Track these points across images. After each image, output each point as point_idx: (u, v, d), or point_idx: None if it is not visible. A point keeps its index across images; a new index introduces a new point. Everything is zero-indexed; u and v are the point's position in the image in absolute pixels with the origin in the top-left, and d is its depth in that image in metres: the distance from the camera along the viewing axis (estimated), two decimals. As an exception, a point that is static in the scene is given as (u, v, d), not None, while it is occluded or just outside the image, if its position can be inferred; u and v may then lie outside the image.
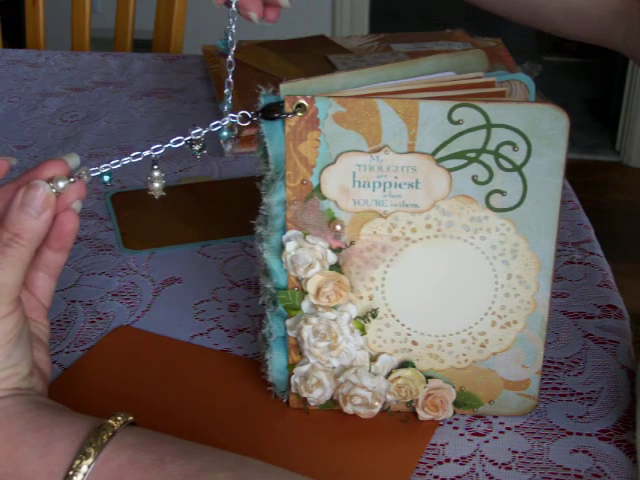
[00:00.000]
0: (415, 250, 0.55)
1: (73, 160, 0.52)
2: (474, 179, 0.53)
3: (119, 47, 1.50)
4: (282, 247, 0.55)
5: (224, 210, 0.86)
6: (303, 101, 0.52)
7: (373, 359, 0.58)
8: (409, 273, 0.56)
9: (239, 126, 0.54)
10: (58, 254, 0.54)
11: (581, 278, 0.75)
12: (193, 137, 0.54)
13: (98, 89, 1.18)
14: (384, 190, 0.54)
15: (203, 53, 1.22)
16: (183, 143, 0.54)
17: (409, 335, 0.58)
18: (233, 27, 0.59)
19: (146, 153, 0.54)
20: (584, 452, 0.56)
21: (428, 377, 0.59)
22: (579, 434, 0.58)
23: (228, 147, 0.55)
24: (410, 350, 0.58)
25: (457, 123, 0.52)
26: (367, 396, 0.58)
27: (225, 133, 0.54)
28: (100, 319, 0.70)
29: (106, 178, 0.53)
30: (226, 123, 0.54)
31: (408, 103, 0.52)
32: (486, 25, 2.18)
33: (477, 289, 0.56)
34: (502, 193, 0.53)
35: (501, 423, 0.59)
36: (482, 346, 0.58)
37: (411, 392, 0.58)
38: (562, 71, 3.32)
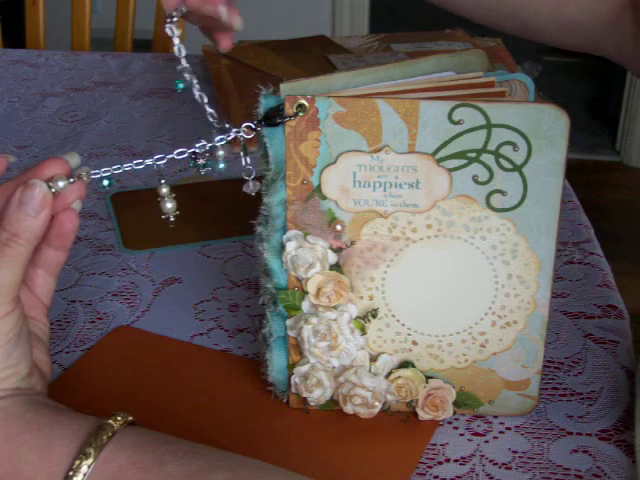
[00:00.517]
0: (415, 250, 0.55)
1: (74, 159, 0.52)
2: (474, 179, 0.53)
3: (119, 47, 1.50)
4: (282, 247, 0.56)
5: (224, 210, 0.86)
6: (303, 101, 0.52)
7: (373, 359, 0.58)
8: (409, 273, 0.56)
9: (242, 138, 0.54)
10: (58, 252, 0.54)
11: (581, 278, 0.75)
12: (197, 150, 0.54)
13: (98, 89, 1.18)
14: (384, 190, 0.54)
15: (203, 53, 1.22)
16: (186, 155, 0.54)
17: (409, 335, 0.58)
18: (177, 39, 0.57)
19: (149, 162, 0.53)
20: (584, 452, 0.56)
21: (428, 377, 0.59)
22: (579, 434, 0.58)
23: (220, 165, 0.54)
24: (410, 350, 0.58)
25: (457, 123, 0.52)
26: (367, 396, 0.58)
27: (221, 152, 0.54)
28: (100, 319, 0.70)
29: (105, 182, 0.53)
30: (230, 137, 0.54)
31: (408, 103, 0.52)
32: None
33: (477, 289, 0.56)
34: (502, 193, 0.53)
35: (501, 423, 0.59)
36: (482, 346, 0.58)
37: (411, 392, 0.58)
38: (562, 71, 3.33)
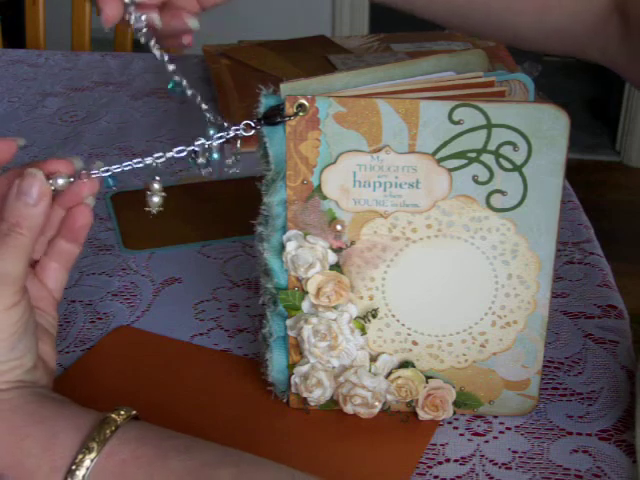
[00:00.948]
0: (415, 250, 0.55)
1: (77, 163, 0.53)
2: (474, 179, 0.53)
3: (119, 47, 1.50)
4: (282, 247, 0.55)
5: (224, 210, 0.86)
6: (304, 101, 0.52)
7: (373, 359, 0.58)
8: (409, 273, 0.56)
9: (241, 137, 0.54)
10: (71, 245, 0.54)
11: (581, 278, 0.75)
12: (196, 148, 0.54)
13: (98, 89, 1.18)
14: (385, 190, 0.54)
15: (203, 53, 1.22)
16: (185, 153, 0.54)
17: (409, 335, 0.58)
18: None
19: (148, 160, 0.53)
20: (584, 452, 0.56)
21: (428, 377, 0.59)
22: (579, 434, 0.58)
23: (214, 155, 0.54)
24: (410, 350, 0.58)
25: (457, 123, 0.52)
26: (367, 396, 0.58)
27: (215, 155, 0.54)
28: (100, 319, 0.70)
29: (110, 182, 0.53)
30: (230, 135, 0.54)
31: (409, 103, 0.52)
32: (486, 25, 2.18)
33: (477, 289, 0.56)
34: (502, 193, 0.53)
35: (501, 423, 0.59)
36: (482, 346, 0.58)
37: (411, 392, 0.58)
38: (562, 71, 3.32)
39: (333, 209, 0.54)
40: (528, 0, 0.62)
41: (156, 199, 0.54)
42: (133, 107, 1.11)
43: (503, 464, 0.56)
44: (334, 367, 0.58)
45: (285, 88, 0.53)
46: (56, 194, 0.52)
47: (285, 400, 0.60)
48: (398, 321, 0.57)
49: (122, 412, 0.48)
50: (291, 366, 0.59)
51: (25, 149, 1.00)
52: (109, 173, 0.53)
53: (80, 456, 0.45)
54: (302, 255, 0.55)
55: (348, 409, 0.59)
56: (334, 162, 0.53)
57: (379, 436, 0.58)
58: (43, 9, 1.50)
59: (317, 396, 0.58)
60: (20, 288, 0.49)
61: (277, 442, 0.58)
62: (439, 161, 0.53)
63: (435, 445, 0.58)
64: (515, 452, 0.57)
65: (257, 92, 0.53)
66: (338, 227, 0.55)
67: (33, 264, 0.55)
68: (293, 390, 0.59)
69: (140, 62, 1.26)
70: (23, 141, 0.54)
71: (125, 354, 0.66)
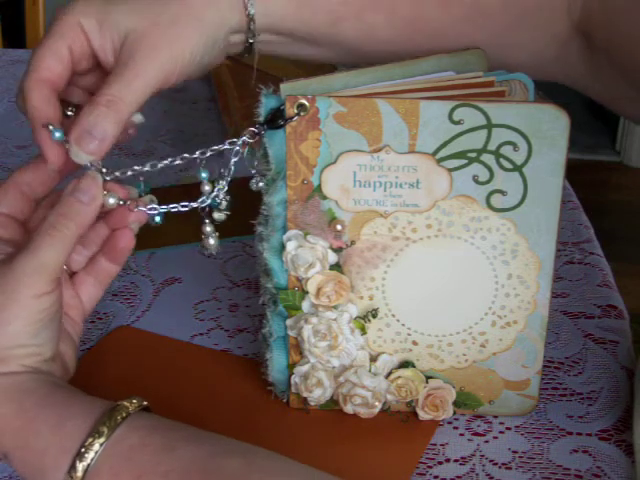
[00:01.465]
0: (415, 250, 0.55)
1: (133, 192, 0.55)
2: (475, 179, 0.53)
3: (119, 47, 1.50)
4: (282, 247, 0.56)
5: (224, 210, 0.86)
6: (304, 101, 0.52)
7: (373, 359, 0.58)
8: (409, 273, 0.56)
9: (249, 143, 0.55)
10: (111, 265, 0.56)
11: (581, 278, 0.75)
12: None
13: (98, 89, 1.18)
14: (385, 190, 0.54)
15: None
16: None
17: (409, 335, 0.58)
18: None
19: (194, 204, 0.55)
20: (584, 452, 0.56)
21: (428, 377, 0.59)
22: (579, 434, 0.58)
23: (211, 242, 0.56)
24: (410, 350, 0.58)
25: (458, 123, 0.52)
26: (367, 396, 0.58)
27: (204, 174, 0.55)
28: (100, 319, 0.70)
29: (157, 219, 0.55)
30: (240, 142, 0.54)
31: (409, 103, 0.52)
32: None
33: (477, 289, 0.56)
34: (503, 193, 0.53)
35: (501, 423, 0.59)
36: (482, 346, 0.58)
37: (411, 392, 0.58)
38: (562, 71, 3.32)
39: (333, 209, 0.54)
40: (490, 45, 0.63)
41: (212, 241, 0.56)
42: (133, 107, 1.11)
43: (503, 464, 0.56)
44: (334, 367, 0.58)
45: (285, 88, 0.53)
46: (103, 210, 0.53)
47: (285, 400, 0.60)
48: (398, 321, 0.57)
49: (134, 401, 0.49)
50: (291, 366, 0.59)
51: (25, 149, 1.00)
52: (157, 212, 0.55)
53: (90, 439, 0.46)
54: (302, 255, 0.55)
55: (348, 409, 0.59)
56: (334, 162, 0.53)
57: (379, 436, 0.58)
58: (43, 9, 1.50)
59: (317, 396, 0.58)
60: (54, 279, 0.50)
61: (277, 442, 0.57)
62: (439, 161, 0.53)
63: (435, 445, 0.58)
64: (515, 452, 0.57)
65: (257, 92, 0.53)
66: (338, 227, 0.55)
67: (71, 274, 0.57)
68: (293, 390, 0.59)
69: (140, 62, 1.26)
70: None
71: (125, 354, 0.66)
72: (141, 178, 0.56)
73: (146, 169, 0.55)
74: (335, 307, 0.56)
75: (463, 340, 0.58)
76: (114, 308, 0.71)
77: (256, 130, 0.53)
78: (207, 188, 0.55)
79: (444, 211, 0.54)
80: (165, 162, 0.56)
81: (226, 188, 0.55)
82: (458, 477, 0.55)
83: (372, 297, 0.57)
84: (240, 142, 0.54)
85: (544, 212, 0.54)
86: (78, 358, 0.65)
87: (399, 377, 0.58)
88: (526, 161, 0.52)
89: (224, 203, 0.55)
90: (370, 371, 0.58)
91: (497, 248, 0.55)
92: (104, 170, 0.53)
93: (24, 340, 0.49)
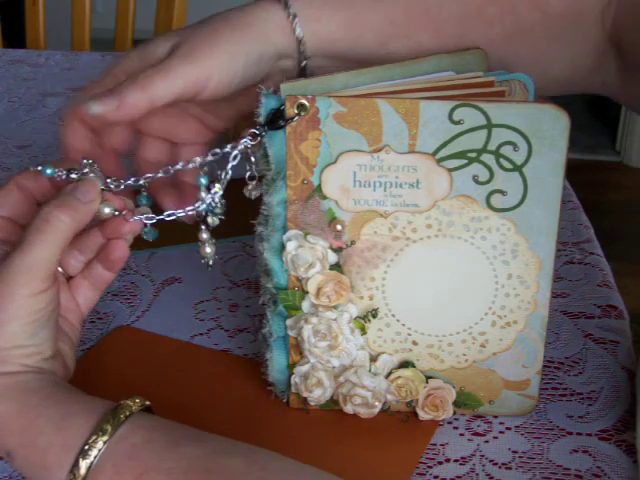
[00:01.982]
0: (415, 250, 0.55)
1: (128, 203, 0.56)
2: (475, 179, 0.53)
3: (119, 47, 1.50)
4: (282, 247, 0.56)
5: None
6: (304, 101, 0.52)
7: (373, 359, 0.58)
8: (409, 273, 0.56)
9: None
10: (106, 272, 0.57)
11: (581, 278, 0.75)
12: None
13: (98, 89, 1.18)
14: (385, 190, 0.54)
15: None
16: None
17: (409, 335, 0.58)
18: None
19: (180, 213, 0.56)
20: (584, 452, 0.56)
21: (428, 377, 0.59)
22: (579, 434, 0.58)
23: (207, 250, 0.57)
24: (410, 350, 0.58)
25: (458, 123, 0.52)
26: (367, 396, 0.58)
27: (203, 180, 0.55)
28: (100, 319, 0.70)
29: (151, 235, 0.56)
30: (241, 147, 0.54)
31: (409, 103, 0.52)
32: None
33: (477, 289, 0.56)
34: (503, 193, 0.53)
35: (501, 423, 0.59)
36: (482, 346, 0.58)
37: (411, 392, 0.58)
38: (562, 71, 3.32)
39: (333, 209, 0.54)
40: (529, 59, 0.64)
41: (209, 250, 0.56)
42: (133, 107, 1.11)
43: (503, 464, 0.56)
44: (334, 367, 0.58)
45: (285, 88, 0.53)
46: (98, 218, 0.54)
47: (285, 400, 0.60)
48: (398, 321, 0.57)
49: (137, 400, 0.49)
50: (291, 366, 0.59)
51: (25, 149, 1.00)
52: (154, 220, 0.55)
53: (94, 437, 0.46)
54: (302, 255, 0.55)
55: (348, 409, 0.59)
56: (334, 162, 0.53)
57: (379, 436, 0.58)
58: (43, 9, 1.50)
59: (317, 396, 0.58)
60: (49, 276, 0.50)
61: (277, 442, 0.58)
62: (439, 161, 0.53)
63: (435, 445, 0.58)
64: (515, 452, 0.57)
65: (257, 92, 0.53)
66: (338, 227, 0.55)
67: (68, 278, 0.57)
68: (293, 390, 0.59)
69: (140, 62, 1.26)
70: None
71: (125, 354, 0.66)
72: (144, 192, 0.56)
73: (141, 182, 0.56)
74: (335, 307, 0.56)
75: (463, 340, 0.58)
76: (114, 308, 0.71)
77: (257, 132, 0.53)
78: (203, 195, 0.55)
79: (444, 211, 0.54)
80: (167, 168, 0.56)
81: (221, 192, 0.55)
82: (458, 477, 0.55)
83: (372, 297, 0.57)
84: (241, 146, 0.54)
85: (544, 212, 0.54)
86: (78, 358, 0.65)
87: (399, 377, 0.58)
88: (526, 161, 0.52)
89: (219, 207, 0.55)
90: (370, 371, 0.58)
91: (497, 248, 0.55)
92: (108, 180, 0.54)
93: (22, 340, 0.50)
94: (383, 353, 0.58)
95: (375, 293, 0.56)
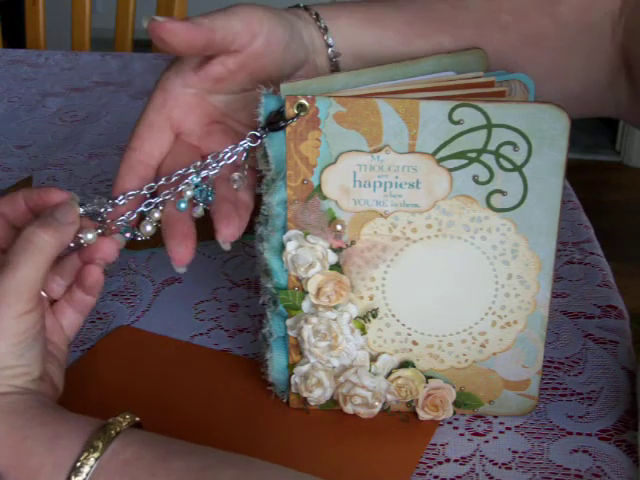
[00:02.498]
0: (416, 250, 0.55)
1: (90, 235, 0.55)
2: (475, 179, 0.53)
3: (119, 47, 1.50)
4: (282, 247, 0.56)
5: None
6: (304, 101, 0.52)
7: (373, 359, 0.58)
8: (409, 273, 0.56)
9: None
10: (86, 296, 0.56)
11: (581, 278, 0.75)
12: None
13: (98, 89, 1.18)
14: (385, 190, 0.54)
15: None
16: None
17: (409, 335, 0.58)
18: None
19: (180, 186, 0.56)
20: (584, 452, 0.56)
21: (428, 377, 0.59)
22: (579, 434, 0.58)
23: (148, 228, 0.57)
24: (410, 350, 0.58)
25: (458, 123, 0.52)
26: (367, 396, 0.58)
27: (183, 205, 0.56)
28: (100, 319, 0.70)
29: (127, 235, 0.56)
30: (241, 148, 0.55)
31: (409, 103, 0.52)
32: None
33: (477, 289, 0.56)
34: (503, 193, 0.53)
35: (501, 423, 0.59)
36: (482, 346, 0.58)
37: (411, 392, 0.58)
38: (562, 71, 3.32)
39: (333, 209, 0.54)
40: (545, 68, 0.64)
41: (149, 228, 0.56)
42: (133, 107, 1.11)
43: (503, 464, 0.56)
44: (334, 367, 0.58)
45: (285, 88, 0.53)
46: (80, 243, 0.54)
47: (285, 400, 0.60)
48: (398, 321, 0.57)
49: (127, 416, 0.48)
50: (291, 366, 0.59)
51: (25, 149, 1.00)
52: (128, 229, 0.56)
53: (85, 454, 0.46)
54: (302, 255, 0.55)
55: (348, 409, 0.59)
56: (334, 162, 0.53)
57: (379, 436, 0.58)
58: (43, 9, 1.50)
59: (317, 396, 0.58)
60: (33, 296, 0.49)
61: (277, 442, 0.58)
62: (439, 161, 0.53)
63: (435, 445, 0.58)
64: (515, 452, 0.57)
65: (257, 92, 0.53)
66: (338, 227, 0.55)
67: (52, 302, 0.57)
68: (293, 390, 0.59)
69: (140, 62, 1.27)
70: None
71: (125, 354, 0.66)
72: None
73: (143, 192, 0.56)
74: (335, 307, 0.56)
75: (463, 340, 0.58)
76: (114, 308, 0.71)
77: (258, 134, 0.53)
78: (189, 194, 0.55)
79: (444, 211, 0.54)
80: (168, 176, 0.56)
81: (210, 188, 0.55)
82: (458, 477, 0.55)
83: (372, 297, 0.57)
84: (242, 148, 0.54)
85: (544, 212, 0.54)
86: (78, 358, 0.65)
87: (399, 377, 0.58)
88: (526, 161, 0.52)
89: (209, 197, 0.56)
90: (370, 371, 0.58)
91: (497, 248, 0.55)
92: (110, 201, 0.55)
93: (10, 361, 0.49)
94: (383, 353, 0.58)
95: (375, 293, 0.56)
